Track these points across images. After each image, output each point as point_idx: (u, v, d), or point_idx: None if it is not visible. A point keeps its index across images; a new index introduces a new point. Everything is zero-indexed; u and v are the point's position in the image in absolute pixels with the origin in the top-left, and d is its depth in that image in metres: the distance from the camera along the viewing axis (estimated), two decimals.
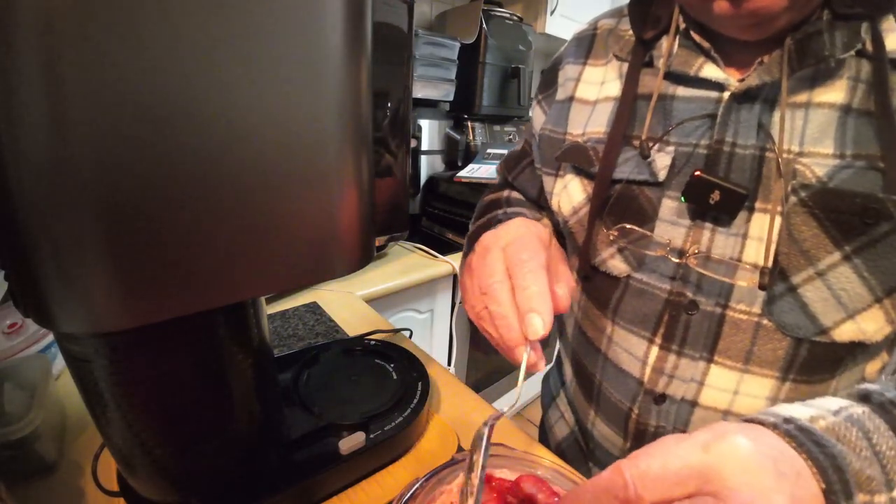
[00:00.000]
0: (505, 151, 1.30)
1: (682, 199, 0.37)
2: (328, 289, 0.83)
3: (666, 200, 0.38)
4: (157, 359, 0.27)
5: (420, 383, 0.47)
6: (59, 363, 0.51)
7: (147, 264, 0.21)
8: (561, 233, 0.51)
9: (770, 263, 0.34)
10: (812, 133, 0.33)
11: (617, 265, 0.42)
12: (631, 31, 0.42)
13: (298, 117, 0.23)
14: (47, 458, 0.40)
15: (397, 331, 0.67)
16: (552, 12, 1.49)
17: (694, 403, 0.40)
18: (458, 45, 1.29)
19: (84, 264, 0.19)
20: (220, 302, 0.24)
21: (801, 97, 0.33)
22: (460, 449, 0.44)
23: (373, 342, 0.54)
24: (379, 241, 0.35)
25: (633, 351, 0.42)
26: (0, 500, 0.34)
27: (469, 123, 1.38)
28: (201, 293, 0.23)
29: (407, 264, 1.01)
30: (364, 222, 0.29)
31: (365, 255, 0.29)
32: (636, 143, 0.39)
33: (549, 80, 0.51)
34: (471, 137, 1.37)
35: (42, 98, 0.17)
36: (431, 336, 1.13)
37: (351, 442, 0.38)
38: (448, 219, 1.22)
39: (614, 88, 0.43)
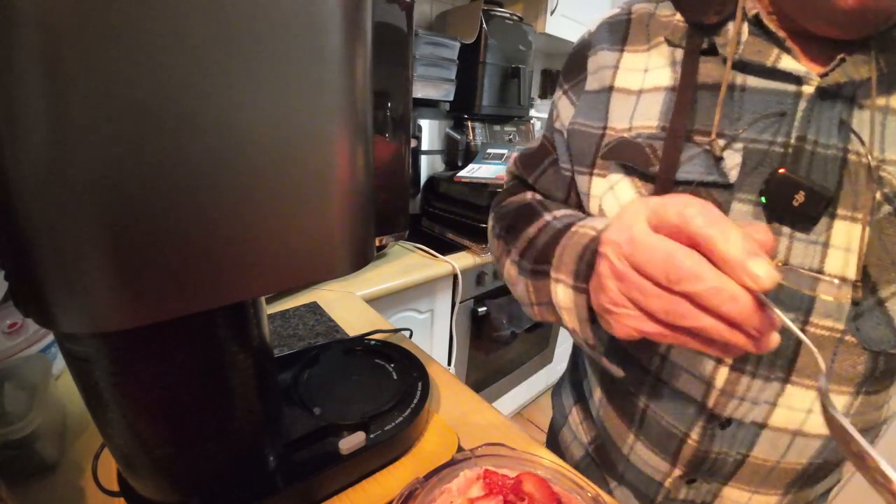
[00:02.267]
0: (505, 151, 1.30)
1: (763, 200, 0.33)
2: (328, 289, 0.83)
3: (736, 204, 0.34)
4: (157, 359, 0.27)
5: (420, 383, 0.47)
6: (59, 363, 0.51)
7: (147, 264, 0.21)
8: None
9: (859, 275, 0.31)
10: (893, 139, 0.31)
11: None
12: (677, 16, 0.38)
13: (298, 118, 0.23)
14: (47, 458, 0.40)
15: (397, 331, 0.67)
16: (552, 12, 1.49)
17: (763, 426, 0.37)
18: (458, 45, 1.29)
19: (84, 264, 0.19)
20: (220, 302, 0.24)
21: (881, 100, 0.32)
22: (460, 449, 0.44)
23: (373, 342, 0.54)
24: (379, 241, 0.34)
25: (696, 372, 0.38)
26: (0, 499, 0.34)
27: (469, 123, 1.38)
28: (201, 293, 0.23)
29: (407, 264, 1.01)
30: (364, 222, 0.29)
31: (365, 255, 0.29)
32: (698, 138, 0.36)
33: (575, 67, 0.46)
34: (471, 137, 1.37)
35: (43, 98, 0.17)
36: (431, 336, 1.13)
37: (351, 442, 0.38)
38: (448, 219, 1.22)
39: (664, 77, 0.38)
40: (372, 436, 0.40)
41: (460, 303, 1.13)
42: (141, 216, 0.20)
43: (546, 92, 1.96)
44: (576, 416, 0.54)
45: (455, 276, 1.07)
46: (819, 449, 0.37)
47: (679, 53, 0.38)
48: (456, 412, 0.51)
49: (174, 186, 0.20)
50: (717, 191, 0.35)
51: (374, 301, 0.88)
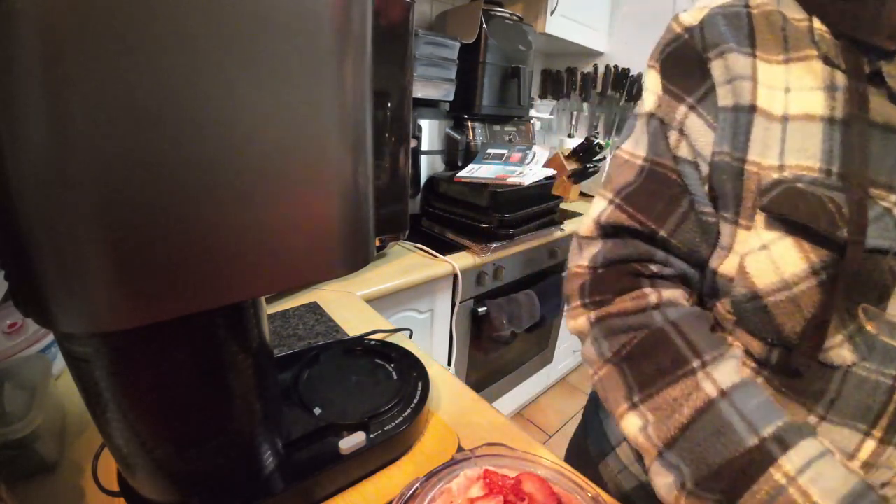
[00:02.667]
0: (505, 151, 1.30)
1: None
2: (328, 289, 0.83)
3: None
4: (157, 359, 0.27)
5: (420, 383, 0.47)
6: (59, 363, 0.51)
7: (147, 264, 0.21)
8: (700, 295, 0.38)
9: None
10: None
11: (842, 354, 0.31)
12: (816, 23, 0.32)
13: (298, 118, 0.23)
14: (47, 458, 0.40)
15: (397, 331, 0.67)
16: (552, 12, 1.49)
17: None
18: (458, 44, 1.29)
19: (84, 264, 0.19)
20: (220, 302, 0.24)
21: None
22: (460, 449, 0.44)
23: (373, 342, 0.54)
24: (379, 241, 0.34)
25: (840, 445, 0.33)
26: (0, 499, 0.34)
27: (469, 123, 1.38)
28: (201, 293, 0.23)
29: (407, 264, 1.01)
30: (364, 222, 0.29)
31: (365, 255, 0.29)
32: (875, 191, 0.29)
33: (692, 71, 0.35)
34: (471, 137, 1.37)
35: (43, 99, 0.17)
36: (431, 336, 1.13)
37: (351, 442, 0.38)
38: (448, 219, 1.22)
39: (816, 103, 0.31)
40: (372, 436, 0.40)
41: (460, 303, 1.13)
42: (141, 216, 0.20)
43: (546, 92, 1.96)
44: (629, 453, 0.47)
45: (455, 276, 1.07)
46: None
47: (839, 77, 0.31)
48: (456, 412, 0.51)
49: (174, 187, 0.20)
50: (893, 258, 0.29)
51: (374, 301, 0.88)
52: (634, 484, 0.47)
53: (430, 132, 1.30)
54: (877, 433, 0.32)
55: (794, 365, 0.33)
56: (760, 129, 0.32)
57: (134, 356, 0.26)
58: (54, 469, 0.40)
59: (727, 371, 0.33)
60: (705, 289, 0.38)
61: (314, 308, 0.74)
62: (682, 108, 0.36)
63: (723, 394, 0.31)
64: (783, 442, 0.29)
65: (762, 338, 0.34)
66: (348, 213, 0.27)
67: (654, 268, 0.37)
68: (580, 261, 0.41)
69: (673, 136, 0.36)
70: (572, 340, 1.86)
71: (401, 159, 0.34)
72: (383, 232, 0.34)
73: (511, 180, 1.13)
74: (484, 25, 1.30)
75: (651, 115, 0.38)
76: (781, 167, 0.32)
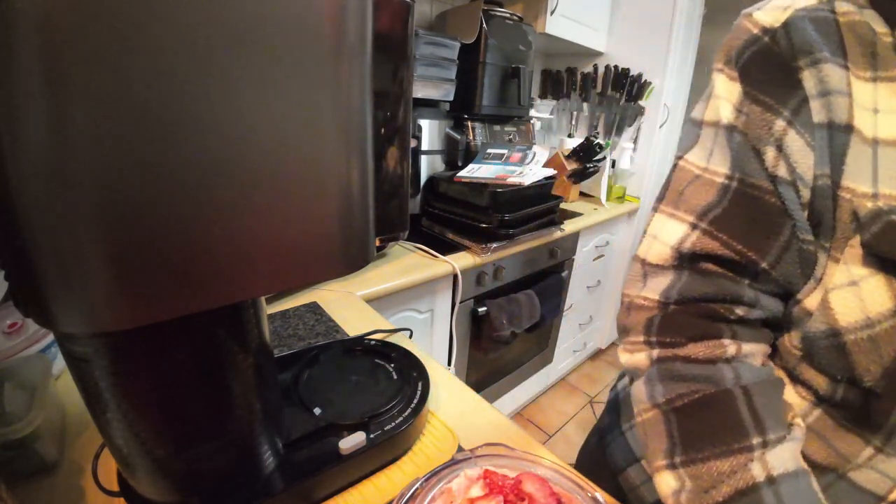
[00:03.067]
0: (505, 151, 1.30)
1: None
2: (328, 289, 0.83)
3: None
4: (157, 359, 0.27)
5: (420, 383, 0.47)
6: (59, 363, 0.51)
7: (147, 265, 0.21)
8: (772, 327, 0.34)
9: None
10: None
11: None
12: (891, 32, 0.29)
13: (298, 119, 0.23)
14: (47, 458, 0.40)
15: (397, 331, 0.67)
16: (552, 12, 1.49)
17: None
18: (458, 44, 1.29)
19: (84, 265, 0.19)
20: (220, 302, 0.24)
21: None
22: (460, 449, 0.44)
23: (373, 342, 0.54)
24: (379, 241, 0.34)
25: (891, 474, 0.32)
26: (0, 499, 0.34)
27: (469, 123, 1.38)
28: (201, 293, 0.23)
29: (407, 264, 1.01)
30: (364, 222, 0.29)
31: (365, 255, 0.29)
32: None
33: (783, 80, 0.31)
34: (471, 137, 1.37)
35: (43, 99, 0.17)
36: (431, 336, 1.13)
37: (351, 442, 0.38)
38: (448, 219, 1.22)
39: None
40: (372, 436, 0.40)
41: (460, 303, 1.13)
42: (140, 217, 0.20)
43: (546, 92, 1.96)
44: None
45: (455, 276, 1.07)
46: None
47: None
48: (456, 412, 0.51)
49: (173, 187, 0.20)
50: None
51: (374, 301, 0.88)
52: (655, 498, 0.45)
53: (430, 132, 1.30)
54: None
55: (874, 413, 0.30)
56: (855, 152, 0.29)
57: (134, 356, 0.26)
58: (54, 469, 0.40)
59: (784, 455, 0.29)
60: (774, 320, 0.35)
61: (314, 308, 0.74)
62: (780, 123, 0.31)
63: (770, 480, 0.28)
64: None
65: (831, 375, 0.32)
66: (348, 213, 0.27)
67: (739, 311, 0.33)
68: (646, 292, 0.36)
69: (770, 153, 0.31)
70: (572, 340, 1.86)
71: (401, 159, 0.34)
72: (383, 232, 0.34)
73: (511, 180, 1.13)
74: (484, 25, 1.30)
75: (732, 128, 0.33)
76: (876, 195, 0.28)
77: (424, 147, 1.29)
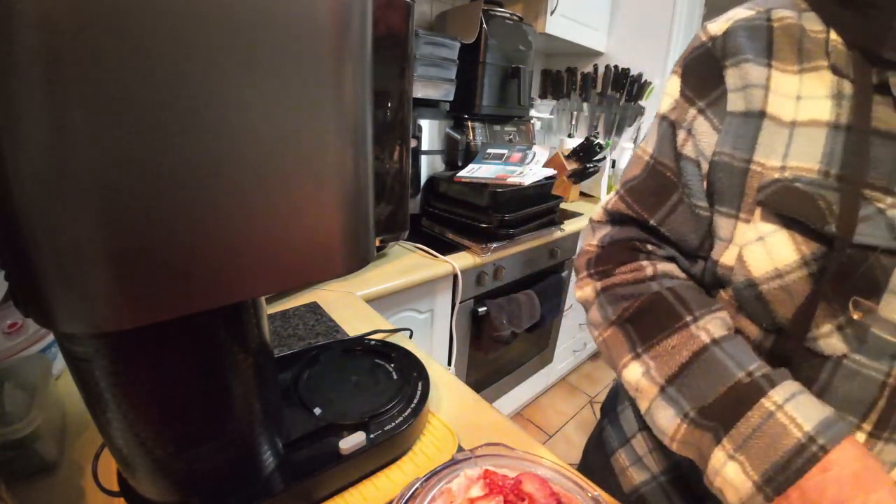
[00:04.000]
0: (505, 151, 1.30)
1: None
2: (328, 289, 0.83)
3: None
4: (157, 359, 0.27)
5: (420, 383, 0.47)
6: (59, 363, 0.51)
7: (147, 264, 0.21)
8: (704, 284, 0.41)
9: None
10: None
11: (832, 344, 0.34)
12: (832, 35, 0.34)
13: (298, 119, 0.23)
14: (48, 458, 0.40)
15: (397, 331, 0.67)
16: (552, 12, 1.49)
17: None
18: (458, 45, 1.29)
19: (84, 264, 0.19)
20: (220, 302, 0.24)
21: None
22: (460, 449, 0.44)
23: (373, 342, 0.54)
24: (379, 241, 0.34)
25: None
26: (0, 499, 0.34)
27: (469, 123, 1.38)
28: (201, 293, 0.23)
29: (407, 264, 1.01)
30: (364, 222, 0.29)
31: (365, 255, 0.29)
32: (870, 193, 0.31)
33: (707, 79, 0.39)
34: (471, 137, 1.37)
35: (43, 100, 0.17)
36: (431, 336, 1.13)
37: (351, 442, 0.38)
38: (448, 219, 1.22)
39: (823, 110, 0.33)
40: (372, 436, 0.40)
41: (460, 303, 1.13)
42: (140, 217, 0.20)
43: (546, 92, 1.96)
44: (643, 444, 0.49)
45: (455, 276, 1.07)
46: None
47: (846, 86, 0.33)
48: (456, 412, 0.51)
49: (173, 187, 0.20)
50: (884, 256, 0.31)
51: (374, 301, 0.88)
52: (645, 476, 0.48)
53: (430, 132, 1.30)
54: (866, 426, 0.34)
55: (785, 349, 0.36)
56: (768, 133, 0.35)
57: (134, 356, 0.26)
58: (54, 469, 0.40)
59: (716, 326, 0.37)
60: (708, 278, 0.41)
61: (314, 308, 0.74)
62: (693, 111, 0.40)
63: (714, 341, 0.35)
64: (770, 379, 0.32)
65: (759, 323, 0.38)
66: (348, 213, 0.27)
67: (650, 247, 0.42)
68: (591, 240, 0.46)
69: (681, 135, 0.40)
70: (572, 340, 1.86)
71: (401, 159, 0.34)
72: (383, 232, 0.34)
73: (511, 180, 1.13)
74: (484, 25, 1.30)
75: (664, 118, 0.42)
76: (783, 168, 0.34)
77: (424, 147, 1.29)
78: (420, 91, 1.24)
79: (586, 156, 1.57)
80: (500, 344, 1.31)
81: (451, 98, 1.33)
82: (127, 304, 0.21)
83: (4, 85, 0.16)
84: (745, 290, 0.37)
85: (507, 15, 1.37)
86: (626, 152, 1.81)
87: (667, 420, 0.36)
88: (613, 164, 1.82)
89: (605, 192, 1.73)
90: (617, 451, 0.53)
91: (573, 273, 0.47)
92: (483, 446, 0.36)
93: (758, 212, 0.35)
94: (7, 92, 0.16)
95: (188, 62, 0.19)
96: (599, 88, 1.86)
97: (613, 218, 0.45)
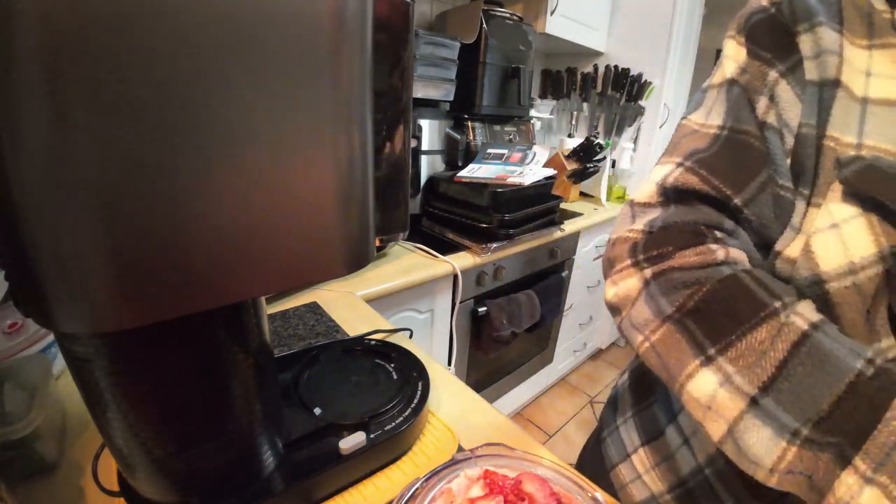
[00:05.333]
0: (505, 151, 1.30)
1: None
2: (328, 289, 0.83)
3: None
4: (157, 359, 0.27)
5: (420, 383, 0.47)
6: (59, 363, 0.51)
7: (147, 264, 0.21)
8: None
9: None
10: None
11: None
12: (892, 12, 0.31)
13: (297, 119, 0.23)
14: (48, 457, 0.40)
15: (397, 331, 0.67)
16: (552, 12, 1.49)
17: None
18: (458, 44, 1.29)
19: (84, 265, 0.19)
20: (220, 302, 0.24)
21: None
22: (460, 449, 0.44)
23: (373, 342, 0.54)
24: (379, 241, 0.34)
25: None
26: (0, 499, 0.34)
27: (469, 123, 1.38)
28: (201, 293, 0.23)
29: (407, 264, 1.01)
30: (364, 222, 0.29)
31: (365, 255, 0.29)
32: None
33: (783, 42, 0.33)
34: (471, 137, 1.37)
35: (43, 100, 0.17)
36: (431, 336, 1.13)
37: (351, 442, 0.38)
38: (448, 219, 1.22)
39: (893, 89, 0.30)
40: (372, 436, 0.40)
41: (460, 303, 1.13)
42: (140, 217, 0.20)
43: (546, 92, 1.96)
44: (644, 459, 0.45)
45: (455, 276, 1.07)
46: None
47: None
48: (456, 412, 0.51)
49: (173, 188, 0.20)
50: None
51: (374, 301, 0.88)
52: (646, 495, 0.45)
53: (430, 132, 1.30)
54: None
55: None
56: (842, 106, 0.31)
57: (134, 356, 0.26)
58: (54, 469, 0.40)
59: (808, 307, 0.29)
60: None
61: (314, 308, 0.74)
62: (774, 74, 0.33)
63: (815, 326, 0.27)
64: (885, 369, 0.25)
65: None
66: (348, 213, 0.27)
67: (719, 234, 0.33)
68: (633, 226, 0.36)
69: (762, 101, 0.34)
70: (572, 340, 1.86)
71: (401, 159, 0.34)
72: (383, 232, 0.34)
73: (511, 180, 1.13)
74: (484, 25, 1.30)
75: (732, 82, 0.35)
76: (859, 146, 0.30)
77: (424, 147, 1.29)
78: (420, 91, 1.24)
79: (586, 156, 1.57)
80: (500, 344, 1.31)
81: (451, 98, 1.33)
82: (127, 304, 0.21)
83: (4, 85, 0.16)
84: (808, 288, 0.30)
85: (507, 15, 1.37)
86: (625, 152, 1.81)
87: (763, 444, 0.27)
88: (613, 164, 1.82)
89: (604, 192, 1.73)
90: (617, 467, 0.49)
91: (604, 268, 0.38)
92: (483, 446, 0.36)
93: (833, 194, 0.30)
94: (7, 92, 0.16)
95: (188, 62, 0.19)
96: (599, 88, 1.86)
97: (671, 197, 0.35)
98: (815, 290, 0.30)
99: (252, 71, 0.21)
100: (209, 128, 0.20)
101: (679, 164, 0.35)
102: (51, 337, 0.51)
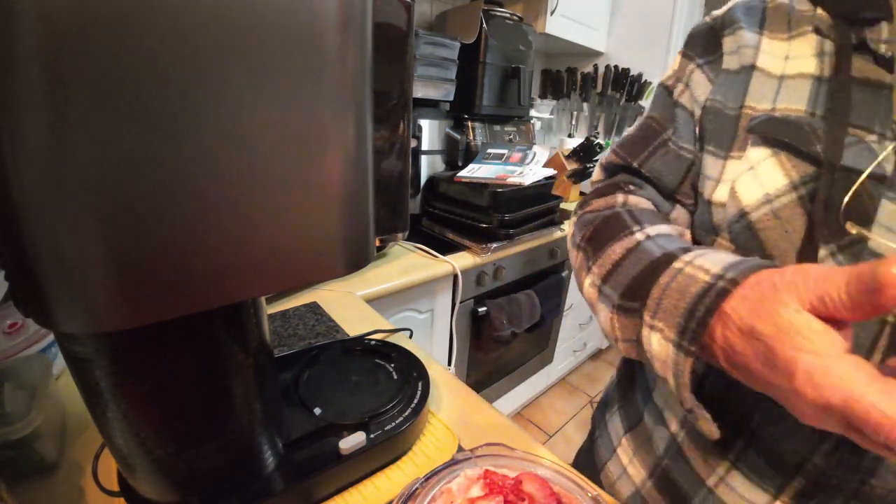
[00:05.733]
0: (505, 151, 1.30)
1: None
2: (328, 289, 0.83)
3: (885, 202, 0.32)
4: (157, 359, 0.27)
5: (420, 383, 0.47)
6: (59, 363, 0.51)
7: (147, 264, 0.21)
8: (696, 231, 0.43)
9: None
10: None
11: None
12: (819, 11, 0.37)
13: (298, 120, 0.23)
14: (48, 457, 0.40)
15: (397, 331, 0.67)
16: (552, 12, 1.49)
17: None
18: (458, 44, 1.29)
19: (84, 265, 0.19)
20: (221, 302, 0.24)
21: None
22: (460, 449, 0.44)
23: (373, 342, 0.54)
24: (379, 241, 0.34)
25: None
26: (0, 499, 0.34)
27: (469, 123, 1.38)
28: (201, 293, 0.23)
29: (407, 264, 1.01)
30: (364, 222, 0.29)
31: (365, 255, 0.29)
32: (853, 132, 0.34)
33: (710, 45, 0.44)
34: (471, 137, 1.37)
35: (43, 100, 0.17)
36: (431, 336, 1.13)
37: (351, 442, 0.38)
38: (448, 219, 1.22)
39: (809, 66, 0.37)
40: (372, 436, 0.40)
41: (460, 303, 1.13)
42: (140, 217, 0.20)
43: (546, 92, 1.96)
44: (627, 447, 0.48)
45: (455, 276, 1.07)
46: None
47: (828, 45, 0.36)
48: (456, 412, 0.51)
49: (173, 188, 0.20)
50: (870, 182, 0.32)
51: (374, 301, 0.88)
52: (631, 490, 0.47)
53: (430, 132, 1.30)
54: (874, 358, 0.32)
55: None
56: (758, 82, 0.38)
57: (134, 356, 0.26)
58: (54, 469, 0.40)
59: (657, 229, 0.38)
60: (704, 224, 0.42)
61: (314, 308, 0.74)
62: (691, 66, 0.44)
63: (649, 237, 0.37)
64: (686, 250, 0.33)
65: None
66: (348, 213, 0.27)
67: (631, 186, 0.46)
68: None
69: (679, 87, 0.45)
70: (572, 340, 1.86)
71: (401, 159, 0.34)
72: (383, 232, 0.34)
73: (511, 180, 1.13)
74: (484, 25, 1.30)
75: (661, 84, 0.48)
76: (773, 110, 0.37)
77: (424, 147, 1.29)
78: (420, 91, 1.24)
79: (586, 156, 1.57)
80: (500, 344, 1.31)
81: (451, 98, 1.33)
82: (127, 304, 0.21)
83: (4, 85, 0.16)
84: (737, 223, 0.37)
85: (507, 15, 1.37)
86: None
87: (604, 318, 0.36)
88: None
89: None
90: (606, 465, 0.51)
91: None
92: (483, 446, 0.36)
93: (749, 143, 0.37)
94: (7, 92, 0.16)
95: (188, 62, 0.19)
96: (599, 88, 1.86)
97: (607, 171, 0.50)
98: (742, 222, 0.37)
99: (252, 71, 0.21)
100: (209, 128, 0.20)
101: (612, 149, 0.50)
102: (51, 337, 0.51)
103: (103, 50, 0.17)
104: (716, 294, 0.27)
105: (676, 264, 0.31)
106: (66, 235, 0.19)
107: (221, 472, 0.34)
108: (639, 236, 0.37)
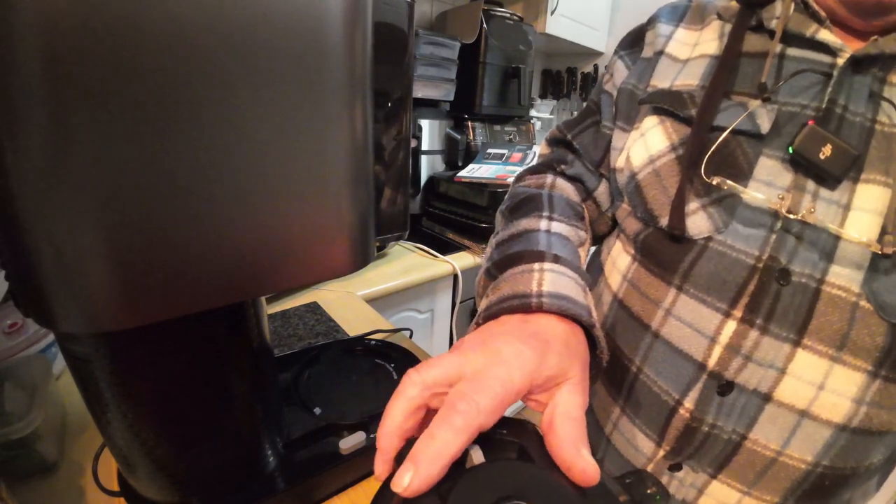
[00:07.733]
0: (505, 151, 1.30)
1: (791, 150, 0.34)
2: (328, 289, 0.83)
3: (764, 159, 0.35)
4: (158, 359, 0.27)
5: None
6: (59, 363, 0.51)
7: (147, 264, 0.21)
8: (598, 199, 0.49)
9: (878, 237, 0.32)
10: None
11: (699, 224, 0.37)
12: (733, 3, 0.41)
13: (298, 119, 0.23)
14: (48, 457, 0.40)
15: (397, 331, 0.67)
16: (552, 12, 1.49)
17: (767, 398, 0.34)
18: (458, 44, 1.29)
19: (84, 265, 0.19)
20: (221, 302, 0.24)
21: None
22: None
23: (373, 342, 0.54)
24: (379, 241, 0.34)
25: (700, 326, 0.36)
26: (0, 499, 0.34)
27: (469, 123, 1.38)
28: (201, 293, 0.23)
29: (407, 264, 1.01)
30: (364, 223, 0.29)
31: (365, 255, 0.29)
32: (736, 97, 0.38)
33: (635, 40, 0.49)
34: (471, 137, 1.37)
35: (43, 100, 0.17)
36: (431, 336, 1.13)
37: (351, 442, 0.38)
38: (448, 219, 1.22)
39: (711, 47, 0.41)
40: (372, 435, 0.40)
41: (460, 303, 1.13)
42: (141, 217, 0.20)
43: (546, 92, 1.96)
44: (602, 400, 0.52)
45: (455, 276, 1.07)
46: (827, 444, 0.34)
47: (728, 27, 0.41)
48: None
49: (174, 188, 0.20)
50: (747, 141, 0.36)
51: (374, 301, 0.88)
52: (615, 470, 0.47)
53: (430, 132, 1.30)
54: (736, 313, 0.35)
55: (644, 233, 0.41)
56: (663, 66, 0.44)
57: (134, 356, 0.26)
58: (54, 469, 0.40)
59: (563, 228, 0.42)
60: (614, 191, 0.47)
61: (314, 308, 0.74)
62: (615, 57, 0.51)
63: (548, 232, 0.40)
64: (559, 259, 0.35)
65: (639, 217, 0.42)
66: (348, 213, 0.27)
67: (562, 167, 0.52)
68: None
69: (606, 76, 0.52)
70: None
71: (401, 159, 0.34)
72: (383, 232, 0.34)
73: (511, 180, 1.13)
74: (484, 25, 1.30)
75: (606, 68, 0.54)
76: (671, 86, 0.42)
77: (424, 147, 1.29)
78: (420, 91, 1.24)
79: None
80: None
81: (451, 98, 1.33)
82: (127, 304, 0.21)
83: (4, 85, 0.16)
84: (629, 184, 0.42)
85: (508, 15, 1.37)
86: None
87: (481, 273, 0.40)
88: None
89: None
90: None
91: None
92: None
93: (644, 115, 0.42)
94: (7, 92, 0.16)
95: (190, 64, 0.19)
96: None
97: (550, 143, 0.57)
98: (633, 182, 0.42)
99: (253, 73, 0.21)
100: (210, 130, 0.20)
101: (557, 126, 0.56)
102: (51, 337, 0.51)
103: (104, 52, 0.17)
104: (521, 303, 0.30)
105: (535, 265, 0.34)
106: (66, 235, 0.19)
107: (221, 472, 0.34)
108: (542, 224, 0.41)
